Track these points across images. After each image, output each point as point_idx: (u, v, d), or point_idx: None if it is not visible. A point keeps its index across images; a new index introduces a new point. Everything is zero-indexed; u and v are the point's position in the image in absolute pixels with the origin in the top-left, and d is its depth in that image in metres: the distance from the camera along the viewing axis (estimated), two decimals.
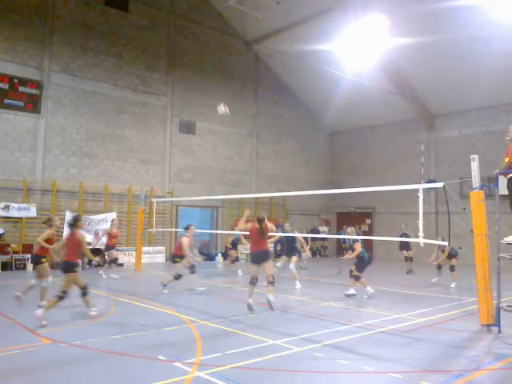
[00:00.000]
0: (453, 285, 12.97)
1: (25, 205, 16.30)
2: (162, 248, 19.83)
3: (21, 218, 16.34)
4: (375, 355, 6.28)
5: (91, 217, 17.62)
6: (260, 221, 9.23)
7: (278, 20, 20.51)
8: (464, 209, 7.72)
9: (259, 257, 9.11)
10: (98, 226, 17.37)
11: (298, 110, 25.40)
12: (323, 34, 20.04)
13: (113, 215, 17.41)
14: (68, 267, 8.24)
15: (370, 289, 11.00)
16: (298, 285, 12.40)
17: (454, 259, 13.20)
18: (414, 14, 17.41)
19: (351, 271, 11.14)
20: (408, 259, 16.74)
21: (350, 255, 11.54)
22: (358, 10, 18.37)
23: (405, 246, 16.80)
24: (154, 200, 17.16)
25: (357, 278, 11.02)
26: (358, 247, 10.99)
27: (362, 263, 11.01)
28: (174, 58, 21.07)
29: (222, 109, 12.48)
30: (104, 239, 16.90)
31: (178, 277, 11.44)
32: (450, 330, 7.87)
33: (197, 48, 21.74)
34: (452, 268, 13.15)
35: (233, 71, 23.05)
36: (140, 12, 20.02)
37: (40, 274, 9.19)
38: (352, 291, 11.07)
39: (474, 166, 7.98)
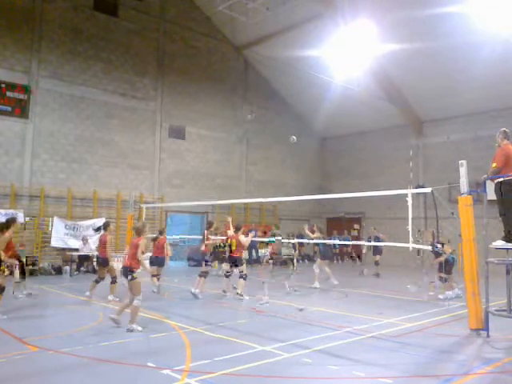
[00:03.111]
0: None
1: (12, 210, 16.10)
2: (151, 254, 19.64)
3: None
4: (365, 360, 6.28)
5: (79, 222, 17.50)
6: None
7: (268, 26, 20.59)
8: (452, 214, 7.78)
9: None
10: (86, 232, 17.26)
11: (287, 115, 25.45)
12: (312, 39, 20.15)
13: (101, 221, 17.26)
14: (104, 262, 10.96)
15: (451, 293, 11.64)
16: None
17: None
18: (402, 20, 17.57)
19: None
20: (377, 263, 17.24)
21: (440, 259, 11.96)
22: (346, 16, 18.49)
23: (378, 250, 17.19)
24: (144, 206, 17.05)
25: (444, 280, 11.75)
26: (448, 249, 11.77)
27: (447, 265, 11.66)
28: (164, 63, 21.04)
29: (294, 138, 14.24)
30: (93, 245, 16.78)
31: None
32: (440, 334, 7.89)
33: (186, 53, 21.73)
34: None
35: (222, 76, 23.07)
36: (129, 17, 19.97)
37: (132, 289, 7.93)
38: (450, 293, 11.67)
39: (463, 171, 8.04)
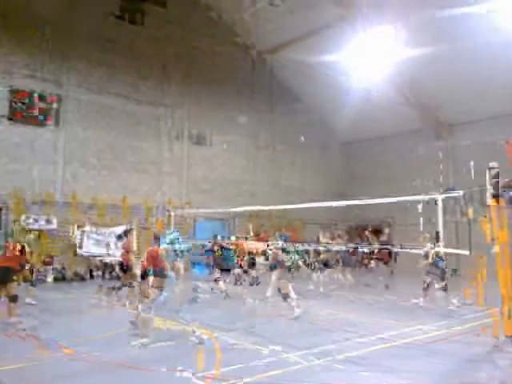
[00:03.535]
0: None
1: (45, 217, 16.52)
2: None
3: (42, 231, 16.55)
4: (397, 367, 6.20)
5: (104, 229, 17.25)
6: None
7: (291, 31, 20.60)
8: (485, 216, 7.63)
9: None
10: (109, 239, 17.25)
11: (312, 120, 25.28)
12: (335, 44, 20.01)
13: (121, 229, 16.76)
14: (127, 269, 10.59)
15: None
16: None
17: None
18: (424, 23, 17.30)
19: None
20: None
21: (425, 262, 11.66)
22: (368, 20, 18.38)
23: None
24: (172, 212, 17.18)
25: (427, 285, 11.41)
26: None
27: (434, 268, 11.34)
28: (190, 71, 21.30)
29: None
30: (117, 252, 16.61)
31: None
32: (471, 342, 7.70)
33: (211, 61, 21.89)
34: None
35: (247, 83, 23.16)
36: (154, 25, 20.31)
37: (143, 292, 8.18)
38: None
39: (493, 173, 7.86)
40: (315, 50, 20.60)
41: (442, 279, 11.38)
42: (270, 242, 11.67)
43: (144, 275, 8.06)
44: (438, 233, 9.52)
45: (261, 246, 12.04)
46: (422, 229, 19.22)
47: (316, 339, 7.72)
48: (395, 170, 24.46)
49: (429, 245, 11.29)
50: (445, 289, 11.32)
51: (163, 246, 11.28)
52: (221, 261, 13.14)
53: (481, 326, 9.03)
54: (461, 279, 12.96)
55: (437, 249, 10.35)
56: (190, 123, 21.11)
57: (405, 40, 18.19)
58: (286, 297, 9.88)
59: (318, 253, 20.95)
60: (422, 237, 12.03)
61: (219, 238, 13.96)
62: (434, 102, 21.88)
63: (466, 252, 10.13)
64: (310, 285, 14.34)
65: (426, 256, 11.45)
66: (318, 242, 18.75)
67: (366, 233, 16.80)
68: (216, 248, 13.00)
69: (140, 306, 7.84)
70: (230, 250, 12.64)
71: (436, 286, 11.52)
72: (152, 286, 8.04)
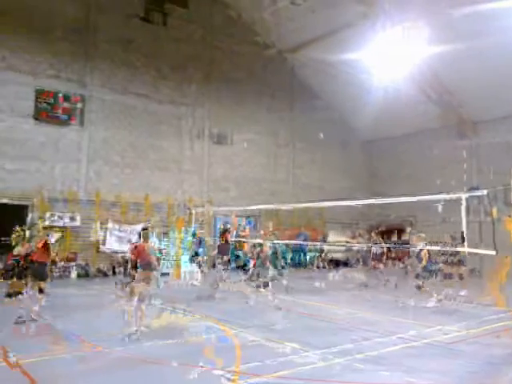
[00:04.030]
0: (463, 293, 12.40)
1: (69, 214, 16.82)
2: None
3: (65, 227, 16.85)
4: (418, 367, 6.15)
5: (126, 227, 17.63)
6: None
7: (312, 30, 20.52)
8: (509, 216, 7.52)
9: None
10: (131, 236, 17.50)
11: (332, 118, 25.17)
12: (357, 42, 19.86)
13: (140, 227, 17.06)
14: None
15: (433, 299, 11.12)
16: None
17: (462, 267, 12.71)
18: (447, 20, 17.06)
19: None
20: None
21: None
22: (392, 18, 18.17)
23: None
24: (193, 210, 17.33)
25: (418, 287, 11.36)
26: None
27: (424, 271, 11.33)
28: (210, 70, 21.41)
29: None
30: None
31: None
32: (493, 344, 7.59)
33: (231, 60, 21.97)
34: (461, 276, 12.68)
35: (267, 82, 23.14)
36: (177, 26, 20.47)
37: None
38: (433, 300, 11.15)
39: None
40: (336, 48, 20.47)
41: (424, 278, 11.35)
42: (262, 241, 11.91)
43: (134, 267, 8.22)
44: (462, 233, 9.39)
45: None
46: (444, 228, 18.98)
47: (335, 338, 7.70)
48: (417, 169, 24.16)
49: (422, 244, 11.20)
50: (419, 287, 11.32)
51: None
52: (225, 249, 13.51)
53: (502, 327, 8.89)
54: (482, 280, 12.74)
55: (460, 249, 10.22)
56: (211, 122, 21.23)
57: (427, 37, 17.94)
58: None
59: (321, 251, 20.57)
60: (416, 236, 11.87)
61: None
62: (456, 99, 21.52)
63: (493, 252, 9.95)
64: (316, 282, 14.38)
65: (419, 258, 11.32)
66: (324, 240, 18.56)
67: (372, 234, 16.56)
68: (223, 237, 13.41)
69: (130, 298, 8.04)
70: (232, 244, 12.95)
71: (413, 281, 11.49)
72: (138, 280, 8.11)
